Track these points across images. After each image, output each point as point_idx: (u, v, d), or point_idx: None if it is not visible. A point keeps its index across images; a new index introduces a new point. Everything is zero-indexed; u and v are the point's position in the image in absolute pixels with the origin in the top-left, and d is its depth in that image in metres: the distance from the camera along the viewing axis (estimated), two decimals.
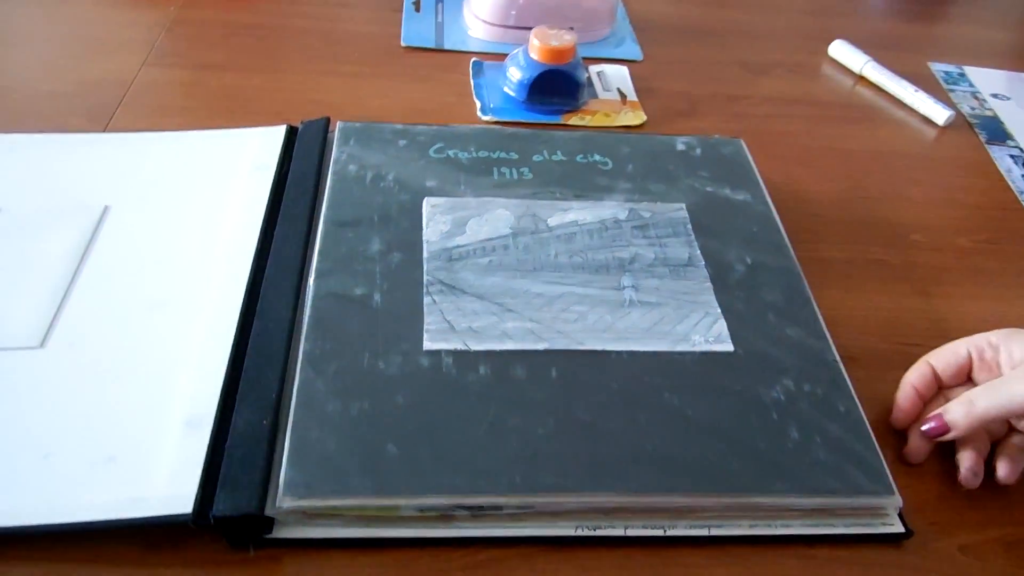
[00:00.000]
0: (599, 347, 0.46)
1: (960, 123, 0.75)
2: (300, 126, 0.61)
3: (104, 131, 0.61)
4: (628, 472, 0.41)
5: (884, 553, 0.43)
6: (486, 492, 0.39)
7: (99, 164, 0.57)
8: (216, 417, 0.41)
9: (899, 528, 0.43)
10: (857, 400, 0.46)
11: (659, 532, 0.41)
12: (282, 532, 0.39)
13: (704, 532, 0.42)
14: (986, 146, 0.73)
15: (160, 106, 0.65)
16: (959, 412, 0.45)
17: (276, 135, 0.60)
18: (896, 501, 0.42)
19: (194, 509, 0.37)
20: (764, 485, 0.41)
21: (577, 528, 0.41)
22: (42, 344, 0.44)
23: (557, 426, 0.42)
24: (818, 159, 0.68)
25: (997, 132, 0.75)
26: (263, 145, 0.59)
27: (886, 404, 0.49)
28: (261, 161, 0.57)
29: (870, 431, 0.45)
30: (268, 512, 0.38)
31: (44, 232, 0.51)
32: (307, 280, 0.48)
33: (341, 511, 0.39)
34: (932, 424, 0.46)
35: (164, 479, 0.39)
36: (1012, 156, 0.72)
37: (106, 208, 0.53)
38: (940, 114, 0.74)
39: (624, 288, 0.50)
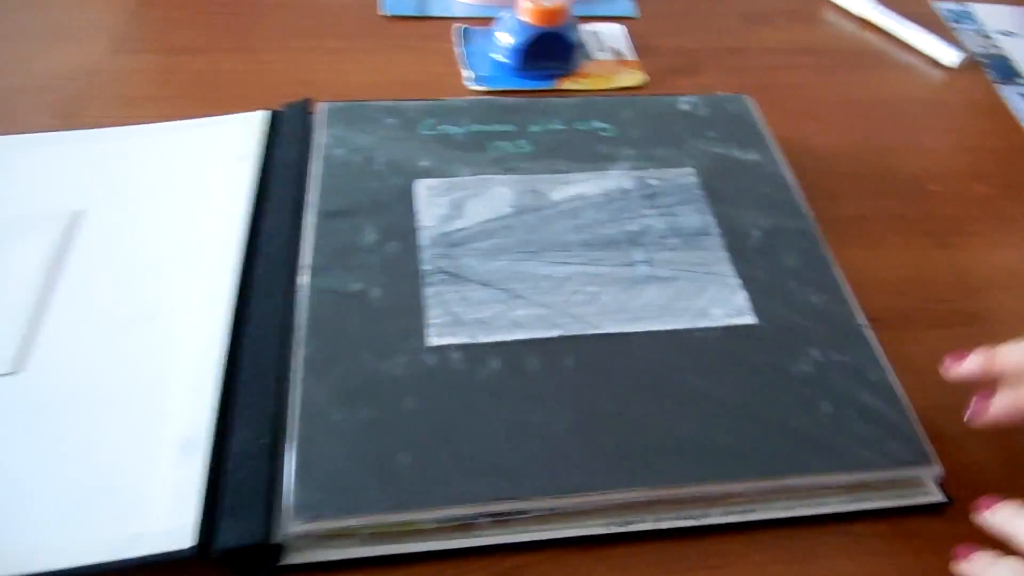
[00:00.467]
0: (615, 329, 0.44)
1: (969, 64, 0.72)
2: (281, 110, 0.57)
3: (71, 128, 0.57)
4: (658, 463, 0.39)
5: (926, 524, 0.41)
6: (509, 498, 0.37)
7: (68, 165, 0.53)
8: (212, 437, 0.39)
9: (939, 497, 0.42)
10: (889, 366, 0.44)
11: (693, 522, 0.39)
12: (293, 558, 0.37)
13: (740, 518, 0.40)
14: (996, 86, 0.70)
15: (130, 97, 0.61)
16: (1001, 404, 0.41)
17: (256, 121, 0.56)
18: (935, 471, 0.41)
19: (196, 542, 0.35)
20: (799, 465, 0.40)
21: (607, 525, 0.39)
22: (17, 369, 0.41)
23: (578, 419, 0.40)
24: (826, 111, 0.65)
25: (1006, 71, 0.72)
26: (243, 133, 0.56)
27: (917, 367, 0.47)
28: (242, 150, 0.54)
29: (904, 398, 0.43)
30: (276, 539, 0.36)
31: (11, 244, 0.47)
32: (299, 278, 0.45)
33: (355, 530, 0.37)
34: (974, 408, 0.42)
35: (160, 511, 0.36)
36: (1023, 95, 0.69)
37: (78, 213, 0.49)
38: (949, 55, 0.71)
39: (636, 263, 0.47)
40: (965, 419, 0.42)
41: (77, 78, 0.62)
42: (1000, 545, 0.40)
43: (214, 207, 0.50)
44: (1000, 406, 0.42)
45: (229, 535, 0.35)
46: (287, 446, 0.38)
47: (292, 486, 0.37)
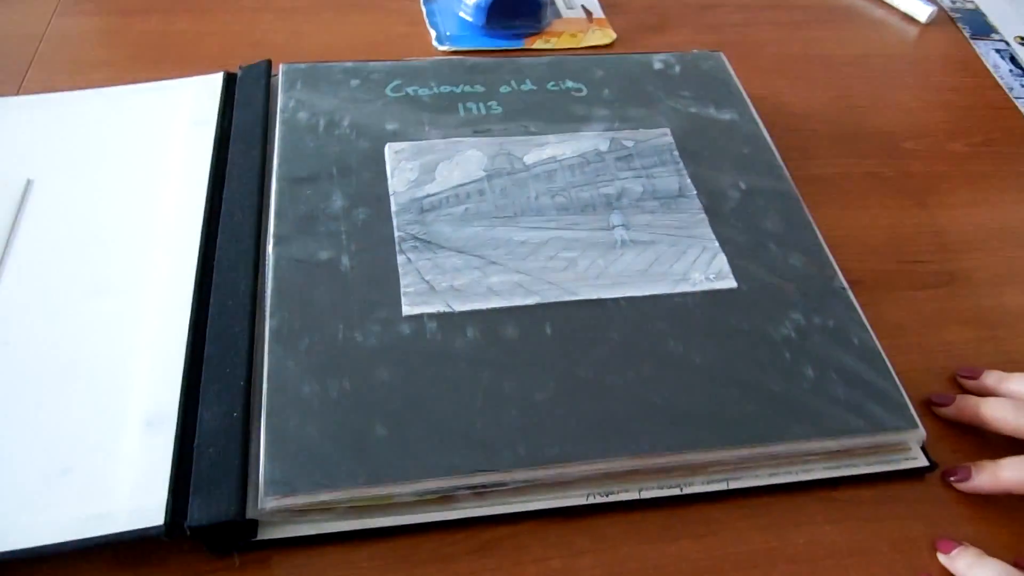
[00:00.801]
0: (594, 295, 0.43)
1: (942, 19, 0.72)
2: (239, 72, 0.55)
3: (16, 94, 0.55)
4: (638, 431, 0.38)
5: (909, 488, 0.41)
6: (487, 469, 0.37)
7: (15, 133, 0.51)
8: (180, 413, 0.38)
9: (923, 461, 0.42)
10: (870, 328, 0.44)
11: (675, 491, 0.39)
12: (268, 533, 0.36)
13: (723, 487, 0.40)
14: (971, 42, 0.70)
15: (78, 60, 0.59)
16: (985, 479, 0.41)
17: (213, 84, 0.54)
18: (919, 434, 0.41)
19: (166, 520, 0.34)
20: (782, 431, 0.39)
21: (588, 496, 0.38)
22: None
23: (558, 388, 0.39)
24: (799, 68, 0.65)
25: (980, 26, 0.72)
26: (199, 97, 0.53)
27: (897, 329, 0.47)
28: (199, 115, 0.52)
29: (886, 361, 0.43)
30: (250, 515, 0.35)
31: None
32: (265, 247, 0.44)
33: (331, 504, 0.36)
34: (958, 475, 0.41)
35: (128, 489, 0.35)
36: (998, 51, 0.69)
37: (28, 183, 0.47)
38: (922, 10, 0.70)
39: (614, 227, 0.47)
40: (950, 479, 0.42)
41: (21, 42, 0.59)
42: (984, 506, 0.41)
43: (173, 174, 0.49)
44: (981, 481, 0.41)
45: (201, 512, 0.34)
46: (257, 420, 0.37)
47: (264, 460, 0.36)
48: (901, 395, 0.41)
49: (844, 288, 0.45)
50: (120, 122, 0.52)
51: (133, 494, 0.35)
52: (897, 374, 0.42)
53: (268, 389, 0.38)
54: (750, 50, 0.65)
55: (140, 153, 0.50)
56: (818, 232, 0.48)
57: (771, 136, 0.53)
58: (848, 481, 0.41)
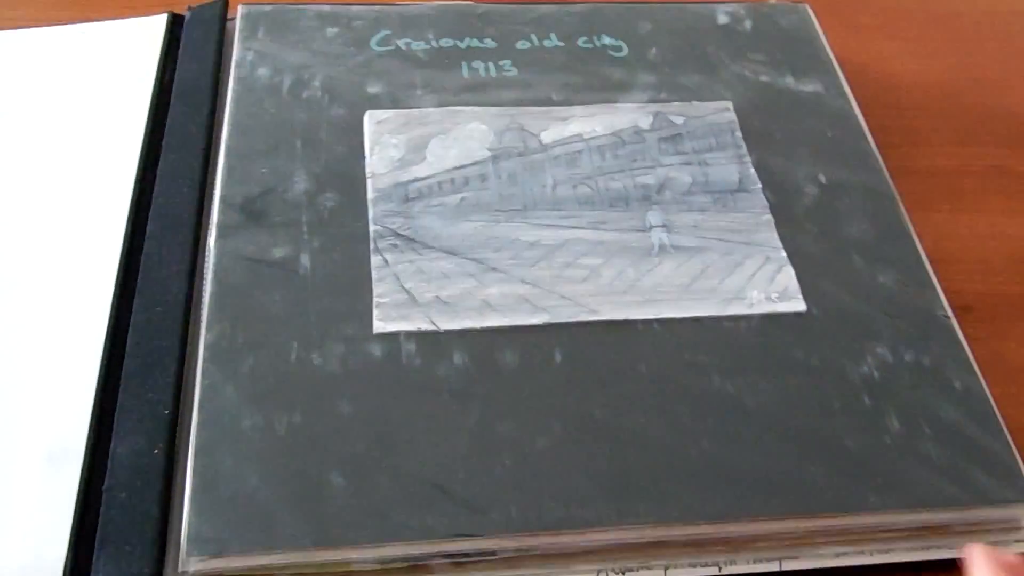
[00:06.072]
0: (619, 315, 0.44)
1: None
2: (187, 13, 0.57)
3: None
4: (667, 492, 0.39)
5: None
6: (471, 534, 0.37)
7: None
8: (88, 447, 0.39)
9: None
10: (978, 370, 0.44)
11: (713, 571, 0.40)
12: None
13: (774, 567, 0.40)
14: None
15: None
16: None
17: (154, 28, 0.56)
18: None
19: None
20: (855, 499, 0.40)
21: (599, 573, 0.39)
22: None
23: (565, 432, 0.40)
24: (911, 27, 0.66)
25: None
26: (136, 44, 0.56)
27: (1017, 373, 0.47)
28: (134, 67, 0.54)
29: (997, 414, 0.43)
30: None
31: None
32: (206, 239, 0.46)
33: (271, 570, 0.37)
34: None
35: (19, 540, 0.36)
36: None
37: None
38: None
39: (651, 228, 0.48)
40: None
41: None
42: None
43: (96, 142, 0.50)
44: None
45: (107, 572, 0.35)
46: (183, 458, 0.39)
47: (189, 511, 0.37)
48: (1014, 458, 0.42)
49: (948, 317, 0.46)
50: (33, 74, 0.54)
51: (25, 546, 0.36)
52: (1011, 431, 0.42)
53: (199, 420, 0.39)
54: (846, 2, 0.66)
55: (56, 114, 0.52)
56: (918, 243, 0.49)
57: (865, 116, 0.54)
58: (939, 566, 0.41)
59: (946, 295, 0.47)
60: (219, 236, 0.45)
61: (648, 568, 0.39)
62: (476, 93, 0.53)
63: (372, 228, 0.46)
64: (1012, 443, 0.42)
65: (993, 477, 0.41)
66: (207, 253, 0.45)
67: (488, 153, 0.50)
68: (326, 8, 0.56)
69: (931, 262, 0.48)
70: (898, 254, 0.48)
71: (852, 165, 0.51)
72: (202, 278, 0.44)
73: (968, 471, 0.41)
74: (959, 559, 0.40)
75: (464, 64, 0.54)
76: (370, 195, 0.47)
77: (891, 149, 0.53)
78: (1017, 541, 0.42)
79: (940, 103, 0.61)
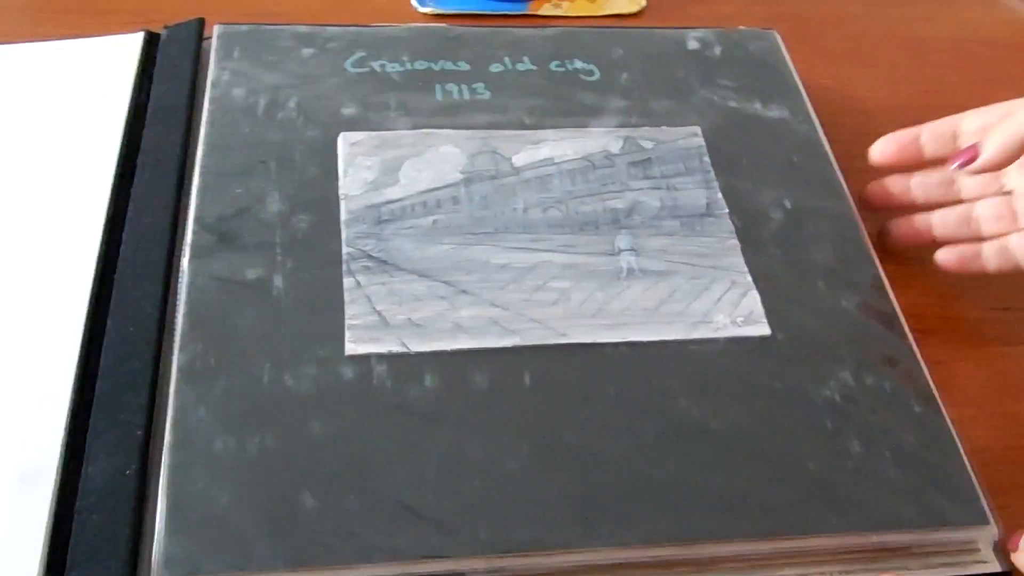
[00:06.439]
0: (588, 339, 0.45)
1: None
2: (163, 32, 0.58)
3: None
4: (634, 515, 0.40)
5: None
6: (439, 555, 0.38)
7: None
8: (60, 467, 0.39)
9: (995, 566, 0.42)
10: (938, 395, 0.45)
11: None
12: None
13: None
14: None
15: None
16: (995, 142, 0.48)
17: (130, 47, 0.57)
18: (991, 532, 0.42)
19: None
20: (816, 521, 0.41)
21: None
22: None
23: (534, 455, 0.41)
24: (878, 53, 0.67)
25: None
26: (111, 62, 0.56)
27: (975, 397, 0.48)
28: (110, 85, 0.54)
29: (956, 437, 0.44)
30: None
31: None
32: (180, 260, 0.46)
33: None
34: (962, 157, 0.49)
35: None
36: None
37: None
38: None
39: (620, 252, 0.48)
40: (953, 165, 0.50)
41: None
42: None
43: (71, 161, 0.51)
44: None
45: None
46: (155, 479, 0.39)
47: (161, 532, 0.37)
48: (971, 481, 0.42)
49: (908, 339, 0.47)
50: (8, 90, 0.54)
51: None
52: (967, 454, 0.43)
53: (171, 442, 0.40)
54: (814, 28, 0.67)
55: (31, 132, 0.52)
56: (880, 267, 0.49)
57: (830, 141, 0.55)
58: None
59: (908, 320, 0.47)
60: (193, 256, 0.46)
61: None
62: (449, 116, 0.53)
63: (345, 250, 0.47)
64: (970, 466, 0.43)
65: (951, 500, 0.42)
66: (181, 273, 0.45)
67: (460, 176, 0.51)
68: (302, 29, 0.57)
69: (893, 287, 0.49)
70: (861, 278, 0.49)
71: (817, 190, 0.52)
72: (175, 298, 0.45)
73: (927, 494, 0.42)
74: None
75: (438, 87, 0.55)
76: (343, 216, 0.48)
77: (856, 174, 0.54)
78: (975, 562, 0.42)
79: (903, 128, 0.61)
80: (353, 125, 0.52)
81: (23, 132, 0.52)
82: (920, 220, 0.53)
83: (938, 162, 0.53)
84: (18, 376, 0.42)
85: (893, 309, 0.48)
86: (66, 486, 0.39)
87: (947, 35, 0.69)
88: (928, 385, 0.45)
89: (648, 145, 0.53)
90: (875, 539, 0.41)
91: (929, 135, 0.53)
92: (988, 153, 0.48)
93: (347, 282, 0.45)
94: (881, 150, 0.54)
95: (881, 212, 0.54)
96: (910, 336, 0.47)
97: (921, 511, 0.41)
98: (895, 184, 0.54)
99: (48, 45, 0.57)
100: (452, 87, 0.55)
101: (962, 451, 0.43)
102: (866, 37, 0.68)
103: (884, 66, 0.65)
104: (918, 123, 0.61)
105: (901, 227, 0.54)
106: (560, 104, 0.55)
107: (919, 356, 0.46)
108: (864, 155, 0.58)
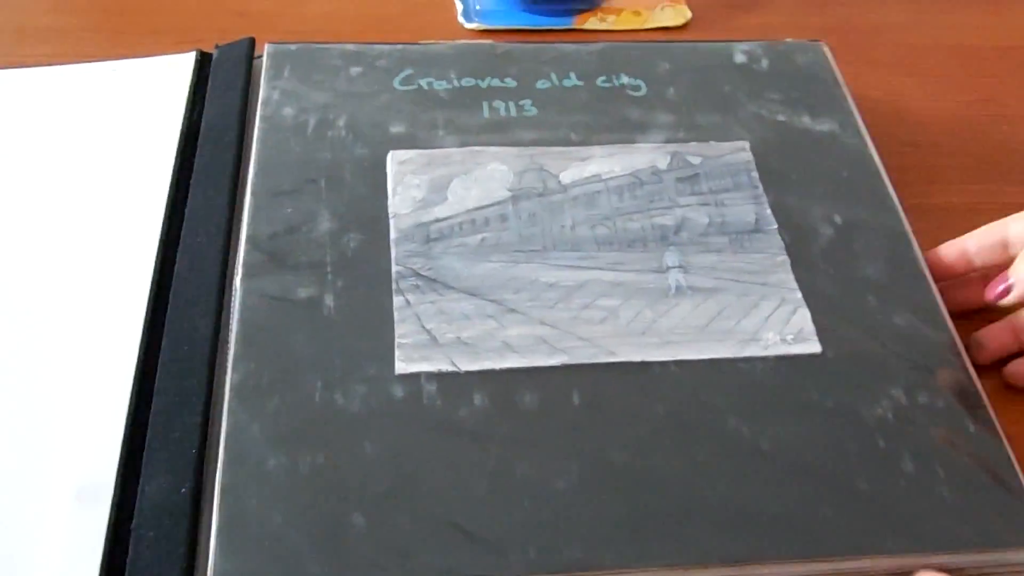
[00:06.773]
0: (637, 357, 0.45)
1: None
2: (215, 52, 0.58)
3: None
4: (685, 535, 0.39)
5: None
6: (490, 574, 0.38)
7: None
8: (117, 485, 0.40)
9: None
10: (993, 413, 0.44)
11: None
12: None
13: None
14: None
15: (18, 29, 0.62)
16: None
17: (182, 67, 0.57)
18: None
19: None
20: (870, 542, 0.40)
21: None
22: None
23: (584, 474, 0.41)
24: (930, 63, 0.66)
25: None
26: (165, 82, 0.57)
27: None
28: (163, 104, 0.55)
29: (1011, 456, 0.43)
30: None
31: None
32: (232, 279, 0.46)
33: None
34: (994, 290, 0.48)
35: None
36: None
37: None
38: None
39: (668, 269, 0.48)
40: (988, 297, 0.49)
41: None
42: None
43: (125, 180, 0.51)
44: None
45: None
46: (209, 497, 0.39)
47: (215, 550, 0.38)
48: None
49: (962, 357, 0.46)
50: (64, 111, 0.55)
51: None
52: None
53: (225, 460, 0.40)
54: (863, 38, 0.66)
55: (86, 152, 0.53)
56: (932, 283, 0.49)
57: (880, 153, 0.55)
58: None
59: (961, 337, 0.47)
60: (245, 275, 0.46)
61: None
62: (497, 133, 0.53)
63: (394, 268, 0.47)
64: None
65: (1007, 519, 0.41)
66: (233, 292, 0.46)
67: (508, 194, 0.51)
68: (350, 47, 0.57)
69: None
70: (914, 295, 0.48)
71: (867, 205, 0.52)
72: (228, 317, 0.45)
73: (982, 514, 0.41)
74: None
75: (485, 103, 0.55)
76: (392, 235, 0.48)
77: (906, 187, 0.53)
78: None
79: (955, 139, 0.61)
80: (401, 143, 0.52)
81: (78, 152, 0.53)
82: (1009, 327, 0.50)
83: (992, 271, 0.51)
84: (76, 395, 0.43)
85: (946, 325, 0.47)
86: (122, 503, 0.39)
87: (998, 43, 0.68)
88: (982, 402, 0.45)
89: (696, 161, 0.53)
90: (930, 560, 0.40)
91: (977, 246, 0.51)
92: (1019, 289, 0.48)
93: (397, 301, 0.46)
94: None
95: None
96: (963, 352, 0.46)
97: (977, 531, 0.40)
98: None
99: (102, 65, 0.58)
100: (499, 104, 0.55)
101: (1018, 469, 0.43)
102: (915, 46, 0.67)
103: (934, 76, 0.65)
104: (967, 134, 0.61)
105: (994, 337, 0.50)
106: (607, 120, 0.55)
107: (972, 373, 0.46)
108: (915, 167, 0.57)
